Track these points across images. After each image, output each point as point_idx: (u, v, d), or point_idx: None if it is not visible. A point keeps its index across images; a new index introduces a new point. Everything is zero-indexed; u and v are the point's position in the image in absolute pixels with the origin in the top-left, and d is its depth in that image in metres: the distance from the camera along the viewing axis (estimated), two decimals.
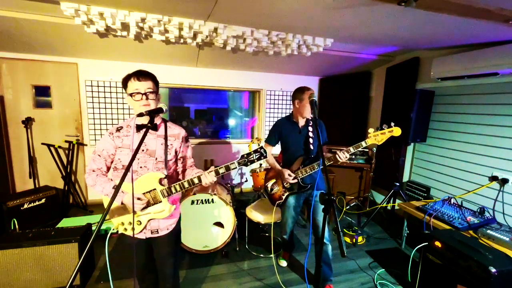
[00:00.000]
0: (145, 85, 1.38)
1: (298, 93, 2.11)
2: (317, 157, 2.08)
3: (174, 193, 1.44)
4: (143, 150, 1.45)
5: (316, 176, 2.11)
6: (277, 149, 2.35)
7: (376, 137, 1.85)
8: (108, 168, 1.50)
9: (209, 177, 1.39)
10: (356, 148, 1.87)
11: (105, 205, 1.46)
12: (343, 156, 1.86)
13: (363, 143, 1.85)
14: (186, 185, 1.41)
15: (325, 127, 2.25)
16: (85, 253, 0.84)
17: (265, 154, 1.41)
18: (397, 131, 1.82)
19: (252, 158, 1.41)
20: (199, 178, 1.40)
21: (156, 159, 1.46)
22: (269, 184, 2.28)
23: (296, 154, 2.14)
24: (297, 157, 2.13)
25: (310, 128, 2.13)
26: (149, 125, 1.25)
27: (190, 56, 3.47)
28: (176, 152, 1.53)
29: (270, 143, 2.26)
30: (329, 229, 3.31)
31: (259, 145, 1.61)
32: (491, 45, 2.44)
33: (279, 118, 2.32)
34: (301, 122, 2.16)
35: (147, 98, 1.38)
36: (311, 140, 2.11)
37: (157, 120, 1.49)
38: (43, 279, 2.06)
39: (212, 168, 1.42)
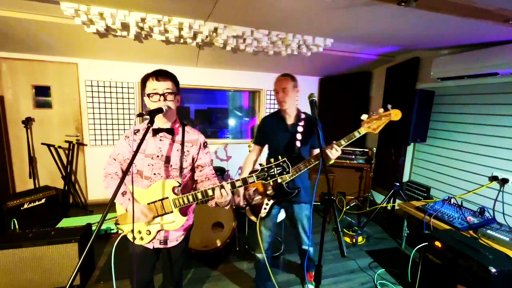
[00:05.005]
0: (164, 86, 1.30)
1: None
2: (302, 157, 1.76)
3: (187, 203, 1.33)
4: (157, 156, 1.37)
5: (304, 180, 1.85)
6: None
7: (370, 124, 1.56)
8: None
9: (223, 190, 1.27)
10: (348, 140, 1.58)
11: (117, 211, 1.45)
12: (334, 152, 1.56)
13: (356, 133, 1.57)
14: (199, 196, 1.31)
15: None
16: (85, 253, 0.84)
17: (288, 169, 1.24)
18: (396, 115, 1.52)
19: (273, 173, 1.25)
20: (213, 189, 1.28)
21: (171, 166, 1.37)
22: (250, 192, 1.89)
23: (280, 154, 1.84)
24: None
25: (300, 128, 1.81)
26: (149, 125, 1.21)
27: (190, 56, 3.47)
28: (193, 159, 1.44)
29: (256, 142, 2.00)
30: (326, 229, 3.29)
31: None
32: (491, 45, 2.44)
33: (268, 113, 2.02)
34: (290, 119, 1.86)
35: (165, 99, 1.31)
36: (298, 137, 1.80)
37: (175, 124, 1.41)
38: (43, 279, 2.05)
39: (228, 181, 1.31)
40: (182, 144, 1.39)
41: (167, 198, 1.34)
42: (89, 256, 2.35)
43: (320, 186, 3.50)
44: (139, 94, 3.85)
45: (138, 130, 1.41)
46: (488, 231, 2.05)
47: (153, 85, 1.31)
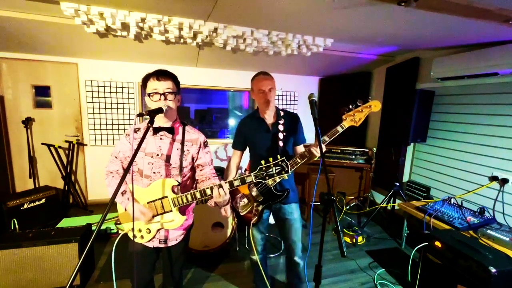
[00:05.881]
0: (165, 85, 1.32)
1: (250, 82, 1.78)
2: (288, 158, 1.59)
3: (186, 202, 1.34)
4: (157, 155, 1.38)
5: (291, 181, 1.81)
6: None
7: (352, 117, 1.57)
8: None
9: (220, 190, 1.28)
10: (332, 136, 1.58)
11: (119, 210, 1.46)
12: (318, 150, 1.50)
13: (338, 128, 1.57)
14: (198, 195, 1.32)
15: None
16: (85, 253, 0.84)
17: (286, 169, 1.24)
18: (376, 106, 1.55)
19: (272, 172, 1.25)
20: (211, 189, 1.29)
21: (171, 164, 1.38)
22: (237, 199, 1.81)
23: (264, 157, 1.58)
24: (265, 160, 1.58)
25: (281, 127, 1.76)
26: (149, 125, 1.21)
27: (190, 56, 3.46)
28: (192, 158, 1.45)
29: (235, 147, 1.89)
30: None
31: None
32: (491, 45, 2.44)
33: (245, 116, 1.94)
34: (269, 119, 1.78)
35: (165, 99, 1.32)
36: (280, 136, 1.74)
37: (176, 124, 1.42)
38: (43, 279, 2.05)
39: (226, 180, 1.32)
40: (182, 143, 1.40)
41: (166, 197, 1.35)
42: (89, 256, 2.35)
43: (320, 186, 3.50)
44: (139, 94, 3.85)
45: (139, 129, 1.43)
46: (488, 231, 2.05)
47: (153, 85, 1.32)
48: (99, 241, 2.83)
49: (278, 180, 1.66)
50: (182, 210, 1.43)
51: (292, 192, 1.77)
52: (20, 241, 2.01)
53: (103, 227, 2.94)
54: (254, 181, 1.27)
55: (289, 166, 1.42)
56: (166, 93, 1.32)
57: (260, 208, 1.75)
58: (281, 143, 1.73)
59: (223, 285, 2.29)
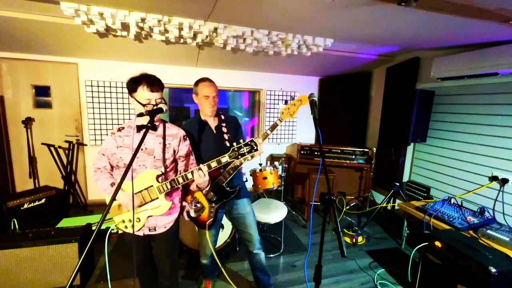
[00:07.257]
0: (156, 96, 1.44)
1: (194, 86, 1.86)
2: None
3: (170, 188, 1.49)
4: (142, 149, 1.49)
5: (240, 177, 1.92)
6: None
7: (288, 110, 1.70)
8: (112, 167, 1.57)
9: (200, 172, 1.46)
10: (273, 129, 1.69)
11: (107, 202, 1.51)
12: (260, 140, 1.61)
13: (277, 121, 1.70)
14: (180, 180, 1.48)
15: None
16: (85, 253, 0.85)
17: (255, 147, 1.40)
18: (304, 99, 1.69)
19: (243, 151, 1.42)
20: (192, 172, 1.47)
21: (154, 157, 1.51)
22: (191, 203, 1.79)
23: (214, 158, 1.71)
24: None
25: (225, 129, 1.86)
26: (148, 125, 1.26)
27: (190, 56, 3.46)
28: (174, 151, 1.58)
29: None
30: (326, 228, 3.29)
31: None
32: (491, 45, 2.44)
33: (187, 121, 1.95)
34: (213, 122, 1.87)
35: None
36: (226, 137, 1.84)
37: (156, 121, 1.52)
38: (43, 279, 2.06)
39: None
40: (164, 137, 1.53)
41: (152, 186, 1.48)
42: (89, 256, 2.35)
43: (320, 186, 3.50)
44: None
45: (123, 128, 1.54)
46: (488, 231, 2.05)
47: (147, 95, 1.42)
48: (99, 241, 2.82)
49: (226, 180, 1.73)
50: (168, 197, 1.55)
51: (243, 188, 1.89)
52: (20, 241, 2.02)
53: (103, 227, 2.93)
54: (229, 160, 1.44)
55: (239, 163, 1.61)
56: (158, 104, 1.45)
57: (214, 207, 1.80)
58: (227, 143, 1.82)
59: (223, 285, 2.29)
